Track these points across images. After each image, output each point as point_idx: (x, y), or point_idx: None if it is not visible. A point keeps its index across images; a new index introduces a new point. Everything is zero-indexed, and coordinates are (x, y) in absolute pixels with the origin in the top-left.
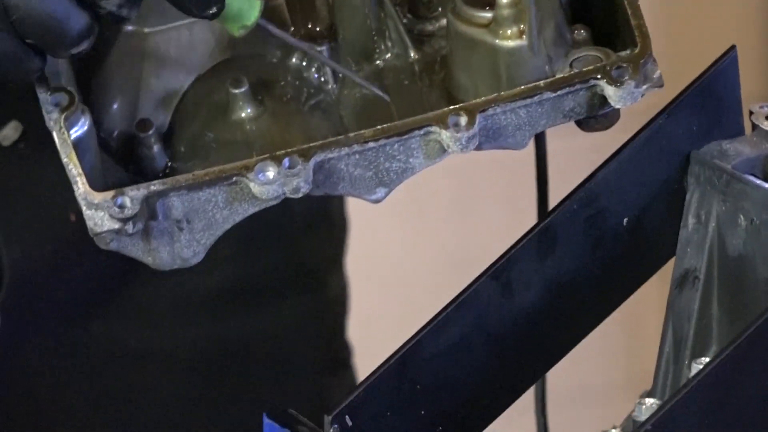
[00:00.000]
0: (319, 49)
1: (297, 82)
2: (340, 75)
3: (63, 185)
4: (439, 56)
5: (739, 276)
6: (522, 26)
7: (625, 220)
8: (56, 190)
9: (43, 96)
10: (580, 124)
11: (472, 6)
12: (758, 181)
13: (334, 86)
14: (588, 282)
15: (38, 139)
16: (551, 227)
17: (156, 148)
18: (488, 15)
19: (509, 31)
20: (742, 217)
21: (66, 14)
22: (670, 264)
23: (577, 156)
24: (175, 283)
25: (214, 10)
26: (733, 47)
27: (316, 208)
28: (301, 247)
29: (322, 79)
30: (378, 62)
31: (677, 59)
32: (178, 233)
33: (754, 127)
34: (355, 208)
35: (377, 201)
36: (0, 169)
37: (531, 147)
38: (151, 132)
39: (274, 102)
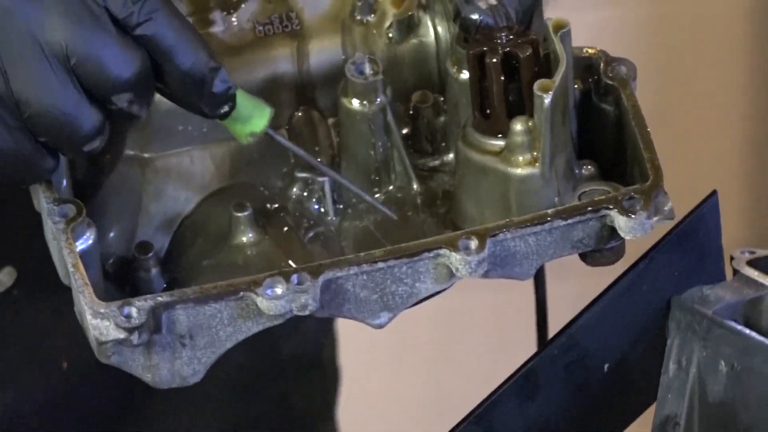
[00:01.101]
0: (320, 179)
1: (297, 213)
2: (340, 207)
3: (55, 332)
4: (442, 190)
5: (720, 423)
6: (535, 153)
7: (606, 365)
8: (49, 336)
9: (50, 206)
10: (584, 257)
11: (483, 134)
12: (739, 327)
13: (334, 218)
14: (570, 427)
15: (32, 285)
16: (533, 372)
17: (154, 271)
18: (500, 143)
19: (521, 158)
20: (723, 362)
21: (78, 111)
22: (652, 409)
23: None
24: (166, 428)
25: (225, 109)
26: (714, 192)
27: (308, 355)
28: (293, 395)
29: (322, 210)
30: (380, 195)
31: None
32: (180, 349)
33: (735, 272)
34: (347, 353)
35: (380, 326)
36: None
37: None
38: (150, 255)
39: (274, 229)
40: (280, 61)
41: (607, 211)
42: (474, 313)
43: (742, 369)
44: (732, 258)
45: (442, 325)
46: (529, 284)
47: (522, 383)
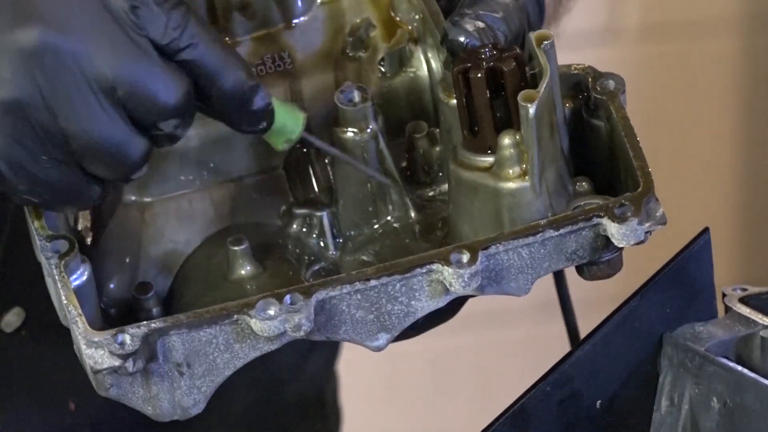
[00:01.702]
0: (318, 214)
1: (297, 250)
2: (340, 241)
3: (64, 373)
4: (440, 218)
5: None
6: (524, 166)
7: (599, 402)
8: (57, 377)
9: (42, 243)
10: (581, 272)
11: (473, 152)
12: (731, 364)
13: (335, 252)
14: None
15: (40, 326)
16: (524, 409)
17: (155, 311)
18: (490, 159)
19: (511, 172)
20: (715, 399)
21: (125, 140)
22: None
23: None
24: None
25: (264, 125)
26: (706, 230)
27: (311, 397)
28: None
29: (322, 244)
30: (378, 226)
31: (651, 241)
32: (178, 378)
33: (727, 309)
34: (348, 395)
35: (378, 349)
36: (1, 356)
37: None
38: (150, 295)
39: (274, 263)
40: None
41: (599, 220)
42: (469, 353)
43: (735, 406)
44: (724, 295)
45: (439, 365)
46: (517, 322)
47: (514, 420)
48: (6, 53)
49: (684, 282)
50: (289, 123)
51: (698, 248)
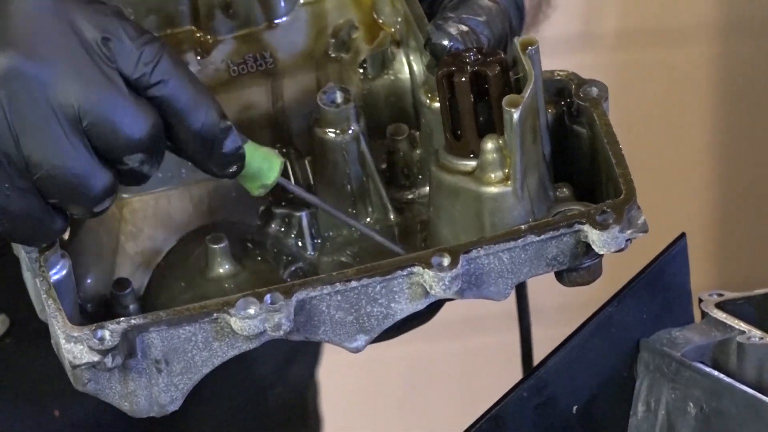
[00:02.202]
0: (297, 214)
1: (276, 249)
2: (318, 241)
3: (48, 381)
4: (419, 221)
5: None
6: (507, 171)
7: (575, 407)
8: (41, 384)
9: None
10: (561, 278)
11: (456, 155)
12: (708, 369)
13: (313, 253)
14: None
15: (25, 333)
16: (500, 415)
17: (132, 308)
18: (472, 163)
19: (493, 176)
20: (691, 404)
21: (89, 173)
22: None
23: None
24: None
25: (234, 168)
26: (682, 235)
27: (293, 404)
28: None
29: (300, 244)
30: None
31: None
32: (156, 375)
33: (704, 314)
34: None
35: (357, 350)
36: None
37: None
38: (128, 291)
39: (252, 262)
40: (255, 100)
41: (581, 226)
42: (447, 359)
43: (711, 411)
44: (700, 300)
45: (417, 372)
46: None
47: (490, 425)
48: None
49: (660, 287)
50: (265, 168)
51: (675, 254)
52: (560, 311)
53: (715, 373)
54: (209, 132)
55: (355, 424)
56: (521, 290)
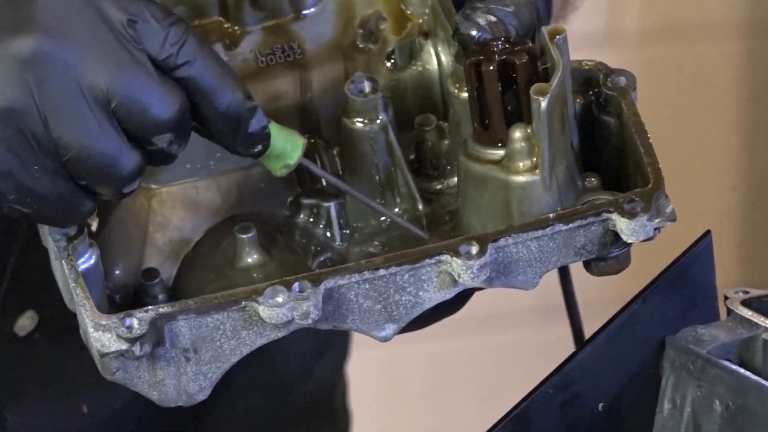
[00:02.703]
0: (325, 204)
1: (304, 240)
2: (347, 232)
3: (77, 376)
4: (448, 211)
5: None
6: (535, 160)
7: (601, 405)
8: (70, 381)
9: (50, 227)
10: (589, 267)
11: (484, 144)
12: (733, 366)
13: (341, 243)
14: None
15: (54, 329)
16: (526, 412)
17: (161, 297)
18: (500, 152)
19: (521, 165)
20: (717, 402)
21: (118, 154)
22: None
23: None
24: None
25: (259, 148)
26: (708, 232)
27: (321, 400)
28: None
29: (329, 235)
30: (383, 218)
31: (653, 244)
32: (184, 364)
33: (729, 312)
34: (357, 398)
35: (385, 339)
36: (15, 360)
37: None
38: (156, 281)
39: (281, 252)
40: (283, 90)
41: (609, 215)
42: (473, 355)
43: (737, 408)
44: (726, 297)
45: (443, 368)
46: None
47: (516, 422)
48: (2, 60)
49: (686, 285)
50: (289, 148)
51: (700, 251)
52: (585, 308)
53: (741, 370)
54: (235, 112)
55: (381, 420)
56: (567, 286)
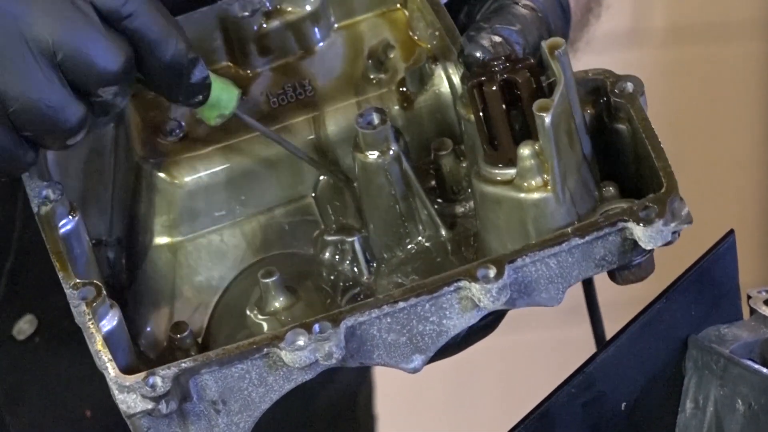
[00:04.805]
0: (349, 240)
1: (332, 277)
2: (373, 265)
3: (78, 380)
4: (471, 234)
5: None
6: (546, 176)
7: (623, 404)
8: (71, 385)
9: (70, 291)
10: (614, 277)
11: (494, 165)
12: (756, 366)
13: (369, 277)
14: None
15: (53, 333)
16: (549, 412)
17: (193, 351)
18: (511, 171)
19: (533, 183)
20: (740, 401)
21: (63, 105)
22: None
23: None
24: None
25: (200, 98)
26: (731, 232)
27: (343, 404)
28: None
29: (356, 270)
30: (410, 246)
31: (676, 244)
32: (215, 416)
33: (752, 311)
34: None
35: (415, 371)
36: (15, 364)
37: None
38: (185, 334)
39: (308, 293)
40: (298, 129)
41: (624, 224)
42: (495, 355)
43: (760, 408)
44: (749, 297)
45: (466, 368)
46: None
47: (539, 421)
48: None
49: (709, 284)
50: (224, 98)
51: (723, 250)
52: (608, 308)
53: (764, 369)
54: (178, 63)
55: (403, 421)
56: (589, 287)
